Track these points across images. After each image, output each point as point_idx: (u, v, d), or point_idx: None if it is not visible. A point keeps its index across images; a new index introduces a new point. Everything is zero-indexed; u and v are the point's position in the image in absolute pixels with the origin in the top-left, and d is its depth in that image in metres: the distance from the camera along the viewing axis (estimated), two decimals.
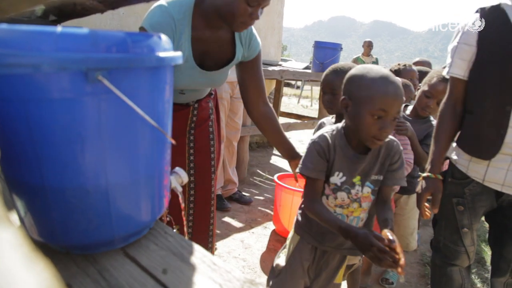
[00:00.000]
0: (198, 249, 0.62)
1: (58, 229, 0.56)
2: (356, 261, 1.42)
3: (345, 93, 1.10)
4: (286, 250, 1.36)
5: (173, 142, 0.59)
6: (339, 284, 1.41)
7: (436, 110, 1.55)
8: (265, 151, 4.78)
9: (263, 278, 2.07)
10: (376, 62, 6.41)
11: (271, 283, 1.35)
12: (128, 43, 0.51)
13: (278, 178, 2.52)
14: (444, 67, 1.42)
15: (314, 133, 1.57)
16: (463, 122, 1.37)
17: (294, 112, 6.48)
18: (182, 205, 0.78)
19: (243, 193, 3.23)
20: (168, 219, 0.81)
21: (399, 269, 0.87)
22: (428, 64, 2.96)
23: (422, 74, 2.17)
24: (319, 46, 4.30)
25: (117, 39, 0.51)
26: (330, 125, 1.22)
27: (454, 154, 1.41)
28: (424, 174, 1.39)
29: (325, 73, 1.44)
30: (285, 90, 12.02)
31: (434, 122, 1.68)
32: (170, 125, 0.66)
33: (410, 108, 1.96)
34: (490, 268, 1.49)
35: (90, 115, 0.50)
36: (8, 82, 0.47)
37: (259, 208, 3.04)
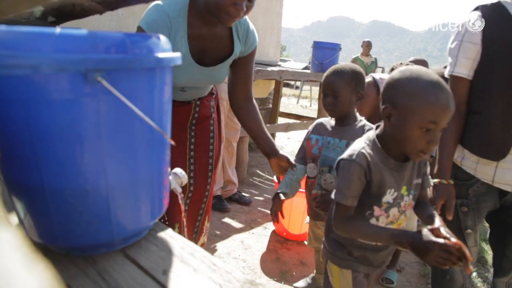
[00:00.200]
0: (198, 249, 0.62)
1: (58, 230, 0.55)
2: None
3: (387, 100, 0.97)
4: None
5: (173, 143, 0.59)
6: None
7: None
8: None
9: (263, 279, 2.07)
10: (375, 62, 6.41)
11: None
12: (127, 44, 0.51)
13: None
14: (445, 67, 1.40)
15: (308, 131, 1.54)
16: (469, 123, 1.33)
17: (294, 112, 6.47)
18: (182, 207, 0.77)
19: (243, 193, 3.23)
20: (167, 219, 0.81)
21: (470, 267, 0.80)
22: (424, 63, 2.96)
23: None
24: (318, 46, 4.31)
25: (116, 40, 0.51)
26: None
27: (458, 155, 1.39)
28: (435, 181, 1.33)
29: (325, 74, 1.40)
30: (284, 90, 12.03)
31: None
32: (169, 126, 0.65)
33: None
34: (491, 267, 1.49)
35: (89, 116, 0.50)
36: (8, 83, 0.47)
37: (259, 208, 3.04)
